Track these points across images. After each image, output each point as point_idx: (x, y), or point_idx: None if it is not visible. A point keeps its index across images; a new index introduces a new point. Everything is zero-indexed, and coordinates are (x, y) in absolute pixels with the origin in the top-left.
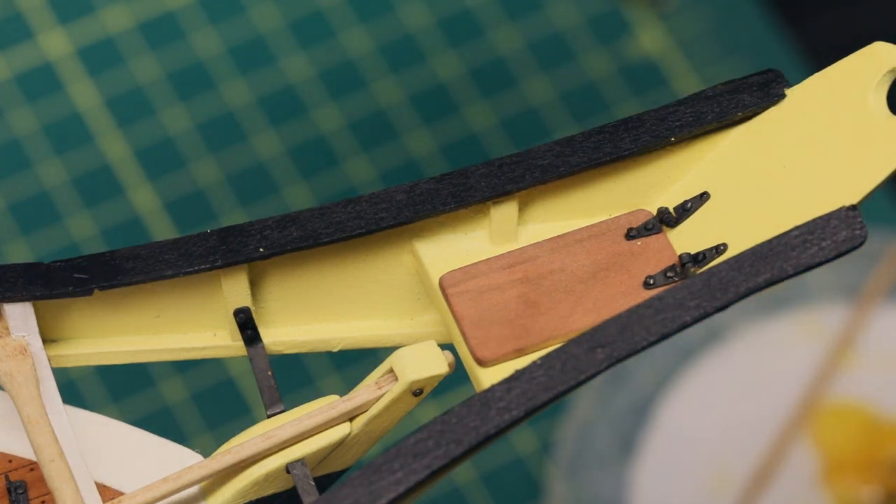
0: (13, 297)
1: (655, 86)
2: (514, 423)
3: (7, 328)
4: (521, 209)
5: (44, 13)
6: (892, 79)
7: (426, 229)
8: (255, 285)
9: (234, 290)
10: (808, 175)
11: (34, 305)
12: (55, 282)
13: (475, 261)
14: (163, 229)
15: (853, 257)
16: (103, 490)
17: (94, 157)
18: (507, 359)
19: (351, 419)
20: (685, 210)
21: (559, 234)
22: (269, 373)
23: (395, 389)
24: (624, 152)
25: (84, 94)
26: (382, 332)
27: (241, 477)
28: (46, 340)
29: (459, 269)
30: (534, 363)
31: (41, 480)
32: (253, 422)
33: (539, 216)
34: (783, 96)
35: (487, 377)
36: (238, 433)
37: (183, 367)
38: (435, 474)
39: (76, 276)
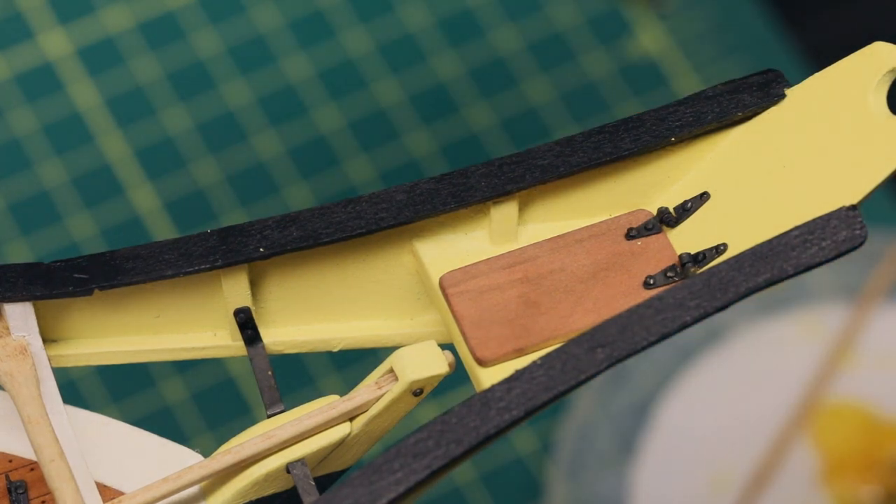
0: (13, 297)
1: (655, 86)
2: (514, 423)
3: (7, 328)
4: (521, 209)
5: (44, 13)
6: (892, 79)
7: (426, 229)
8: (255, 285)
9: (234, 290)
10: (808, 175)
11: (34, 305)
12: (55, 282)
13: (475, 261)
14: (163, 229)
15: (853, 257)
16: (103, 490)
17: (94, 157)
18: (507, 359)
19: (351, 419)
20: (685, 210)
21: (559, 234)
22: (269, 373)
23: (395, 389)
24: (624, 152)
25: (84, 94)
26: (382, 332)
27: (241, 477)
28: (46, 340)
29: (459, 269)
30: (534, 363)
31: (41, 480)
32: (253, 422)
33: (539, 216)
34: (783, 96)
35: (487, 377)
36: (238, 433)
37: (183, 367)
38: (435, 474)
39: (76, 276)
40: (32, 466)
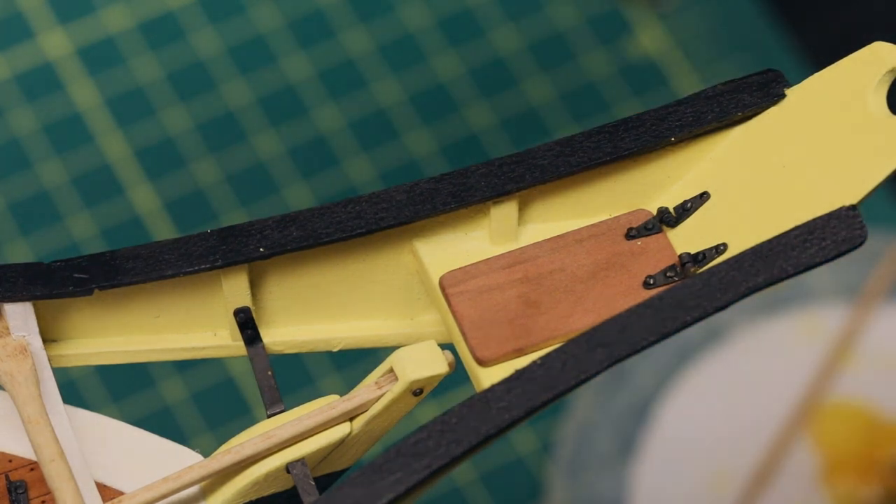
0: (13, 297)
1: (655, 86)
2: (514, 423)
3: (7, 328)
4: (521, 209)
5: (44, 13)
6: (892, 79)
7: (426, 229)
8: (255, 285)
9: (234, 290)
10: (808, 175)
11: (34, 305)
12: (55, 282)
13: (475, 261)
14: (163, 229)
15: (853, 257)
16: (103, 490)
17: (94, 157)
18: (507, 359)
19: (351, 419)
20: (685, 210)
21: (559, 234)
22: (269, 373)
23: (395, 389)
24: (624, 152)
25: (84, 94)
26: (382, 332)
27: (241, 477)
28: (46, 340)
29: (459, 269)
30: (534, 363)
31: (41, 480)
32: (253, 422)
33: (539, 216)
34: (783, 96)
35: (487, 377)
36: (238, 433)
37: (183, 367)
38: (435, 474)
39: (76, 276)
40: (32, 466)
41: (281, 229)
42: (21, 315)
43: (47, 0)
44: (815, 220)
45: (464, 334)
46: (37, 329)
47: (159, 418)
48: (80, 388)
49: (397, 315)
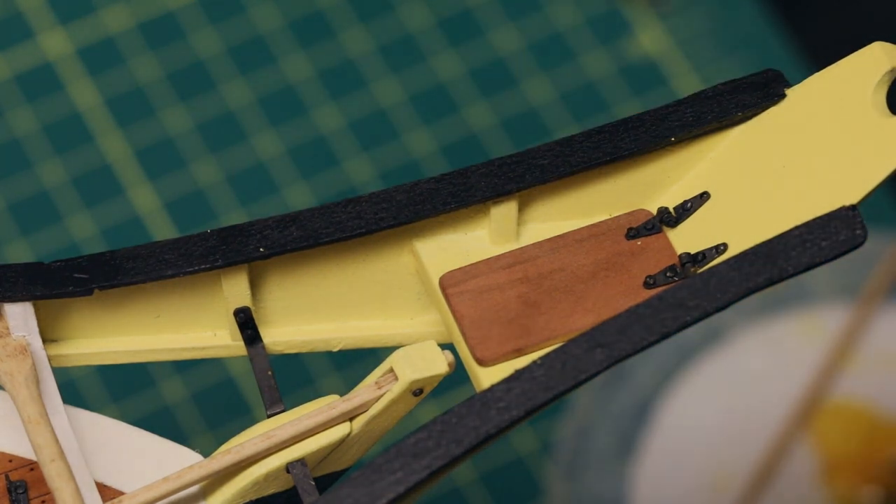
0: (13, 297)
1: (655, 86)
2: (514, 423)
3: (7, 328)
4: (521, 209)
5: (44, 13)
6: (892, 79)
7: (426, 229)
8: (255, 285)
9: (234, 290)
10: (808, 175)
11: (34, 305)
12: (55, 282)
13: (475, 261)
14: (163, 229)
15: (853, 257)
16: (103, 490)
17: (94, 157)
18: (507, 359)
19: (351, 419)
20: (685, 210)
21: (559, 234)
22: (269, 373)
23: (395, 389)
24: (624, 152)
25: (84, 94)
26: (382, 332)
27: (241, 477)
28: (46, 340)
29: (459, 268)
30: (534, 363)
31: (41, 480)
32: (253, 422)
33: (539, 216)
34: (783, 96)
35: (487, 377)
36: (238, 433)
37: (183, 367)
38: (435, 474)
39: (76, 276)
40: (32, 466)
41: (281, 229)
42: (21, 315)
43: (47, 0)
44: (815, 220)
45: (464, 334)
46: (37, 329)
47: (159, 418)
48: (80, 388)
49: (397, 315)
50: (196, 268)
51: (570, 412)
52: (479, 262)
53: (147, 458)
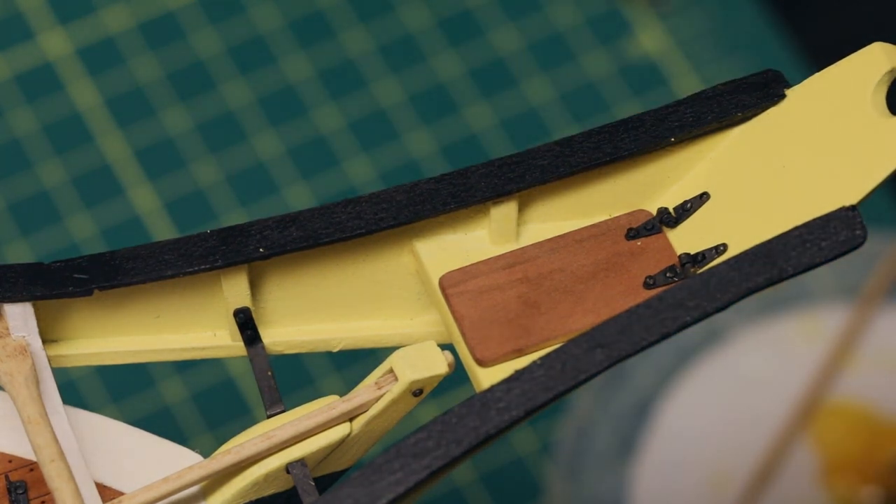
0: (13, 297)
1: (655, 86)
2: (514, 423)
3: (7, 328)
4: (521, 209)
5: (44, 13)
6: (892, 79)
7: (426, 229)
8: (255, 285)
9: (234, 290)
10: (808, 175)
11: (34, 305)
12: (55, 282)
13: (475, 261)
14: (163, 229)
15: (853, 257)
16: (103, 490)
17: (94, 157)
18: (506, 359)
19: (351, 419)
20: (685, 210)
21: (559, 234)
22: (269, 373)
23: (395, 389)
24: (624, 152)
25: (84, 94)
26: (382, 332)
27: (241, 477)
28: (46, 340)
29: (459, 269)
30: (534, 363)
31: (41, 480)
32: (253, 422)
33: (539, 216)
34: (783, 96)
35: (487, 377)
36: (238, 433)
37: (183, 367)
38: (435, 474)
39: (76, 276)
40: (32, 466)
41: (281, 229)
42: (21, 315)
43: (47, 0)
44: (815, 220)
45: (463, 334)
46: (37, 329)
47: (159, 418)
48: (80, 388)
49: (397, 315)
50: (196, 268)
51: (570, 412)
52: (479, 262)
53: (147, 459)
